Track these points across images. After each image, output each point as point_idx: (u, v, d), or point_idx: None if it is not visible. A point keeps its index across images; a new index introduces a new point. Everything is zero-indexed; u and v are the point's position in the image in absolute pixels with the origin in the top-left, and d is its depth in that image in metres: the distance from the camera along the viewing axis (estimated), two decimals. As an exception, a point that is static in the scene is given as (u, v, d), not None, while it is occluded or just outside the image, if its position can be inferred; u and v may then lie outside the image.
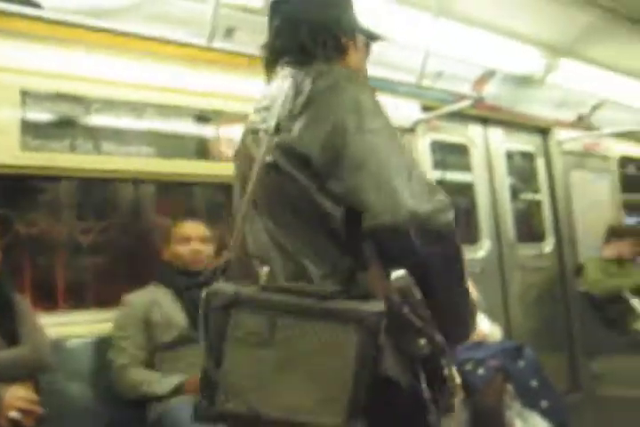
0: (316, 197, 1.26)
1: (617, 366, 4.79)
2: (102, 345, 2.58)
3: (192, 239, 2.64)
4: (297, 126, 1.28)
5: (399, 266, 1.18)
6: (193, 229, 2.69)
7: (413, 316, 1.16)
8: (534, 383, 3.13)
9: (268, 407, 1.14)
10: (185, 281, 2.57)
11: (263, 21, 3.13)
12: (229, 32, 3.06)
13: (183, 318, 2.48)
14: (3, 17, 2.50)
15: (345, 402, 1.11)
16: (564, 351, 4.87)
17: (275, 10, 1.51)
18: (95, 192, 3.12)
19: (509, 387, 3.08)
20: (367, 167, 1.20)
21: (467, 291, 1.30)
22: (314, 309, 1.15)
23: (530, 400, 3.08)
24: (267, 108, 1.40)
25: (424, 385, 1.20)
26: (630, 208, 6.27)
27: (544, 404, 3.07)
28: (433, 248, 1.18)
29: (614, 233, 4.99)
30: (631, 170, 6.28)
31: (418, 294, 1.17)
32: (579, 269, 4.95)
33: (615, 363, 4.78)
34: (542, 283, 4.87)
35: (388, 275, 1.18)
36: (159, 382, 2.38)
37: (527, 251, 4.77)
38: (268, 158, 1.31)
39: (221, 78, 3.14)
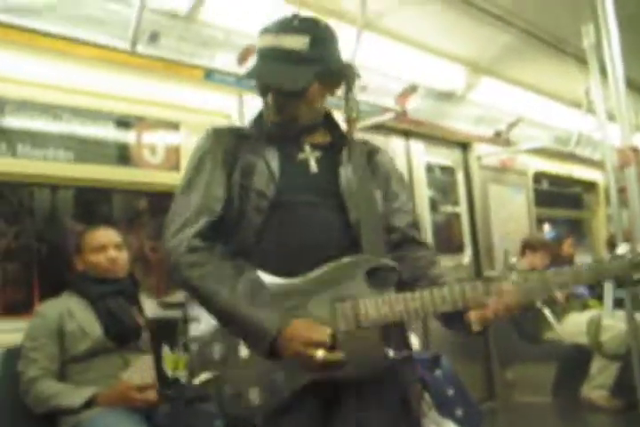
0: None
1: (529, 375, 4.95)
2: (11, 357, 2.47)
3: (107, 247, 2.56)
4: None
5: None
6: (106, 236, 2.59)
7: None
8: (450, 392, 3.19)
9: None
10: (100, 289, 2.49)
11: (187, 28, 3.13)
12: (154, 37, 3.00)
13: (98, 328, 2.41)
14: None
15: None
16: (480, 361, 4.98)
17: None
18: (10, 196, 3.01)
19: (426, 396, 3.13)
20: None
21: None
22: None
23: (446, 409, 3.13)
24: None
25: None
26: (545, 222, 6.53)
27: (459, 412, 3.13)
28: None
29: (528, 246, 5.16)
30: (544, 185, 6.53)
31: None
32: (495, 281, 5.08)
33: (528, 371, 4.94)
34: (460, 294, 4.96)
35: None
36: (71, 395, 2.29)
37: (446, 262, 4.87)
38: None
39: (143, 84, 3.09)
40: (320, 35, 1.57)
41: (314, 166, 1.61)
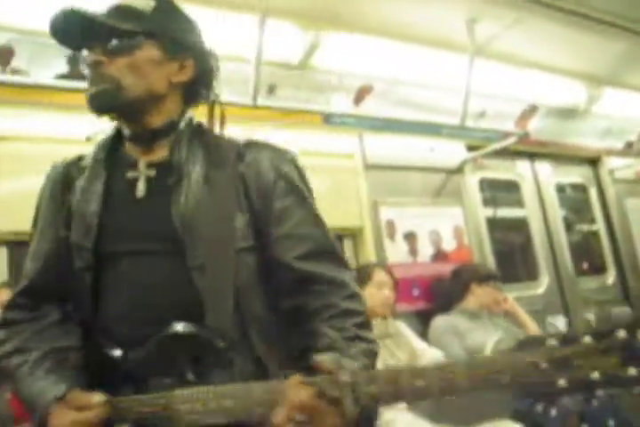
0: None
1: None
2: None
3: None
4: None
5: None
6: None
7: None
8: (611, 423, 3.00)
9: None
10: None
11: (302, 76, 3.24)
12: (272, 88, 3.14)
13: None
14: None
15: None
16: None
17: None
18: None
19: (585, 428, 2.96)
20: None
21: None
22: None
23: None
24: None
25: None
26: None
27: (625, 443, 2.94)
28: None
29: (680, 259, 4.84)
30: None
31: None
32: (646, 300, 4.79)
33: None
34: (608, 316, 4.73)
35: None
36: None
37: (588, 284, 4.65)
38: None
39: (265, 133, 3.20)
40: (168, 4, 1.24)
41: (141, 189, 1.19)
